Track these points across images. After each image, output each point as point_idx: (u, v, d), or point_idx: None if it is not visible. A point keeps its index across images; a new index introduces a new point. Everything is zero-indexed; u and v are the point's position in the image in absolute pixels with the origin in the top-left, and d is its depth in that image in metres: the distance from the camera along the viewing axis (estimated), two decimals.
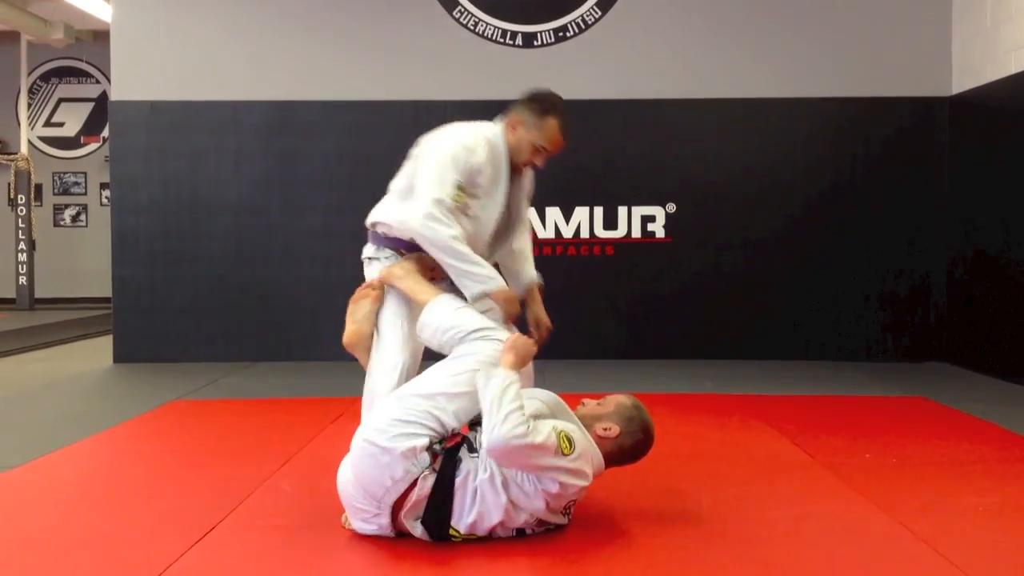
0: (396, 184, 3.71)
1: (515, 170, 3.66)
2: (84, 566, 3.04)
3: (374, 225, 3.69)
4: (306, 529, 3.37)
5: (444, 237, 3.40)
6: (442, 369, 3.25)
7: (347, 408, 5.47)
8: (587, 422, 3.31)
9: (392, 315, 3.53)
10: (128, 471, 4.44)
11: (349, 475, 3.20)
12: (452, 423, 3.15)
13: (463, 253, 3.42)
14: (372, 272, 3.66)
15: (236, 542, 3.27)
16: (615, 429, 3.32)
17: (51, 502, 3.84)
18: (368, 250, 3.72)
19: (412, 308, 3.52)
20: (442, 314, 3.36)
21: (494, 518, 3.10)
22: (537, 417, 3.18)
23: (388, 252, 3.64)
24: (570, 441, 3.13)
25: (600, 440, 3.29)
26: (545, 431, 3.06)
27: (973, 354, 7.56)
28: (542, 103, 3.59)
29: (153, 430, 5.40)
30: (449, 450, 3.12)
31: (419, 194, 3.47)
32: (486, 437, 3.01)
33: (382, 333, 3.53)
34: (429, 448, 3.09)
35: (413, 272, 3.53)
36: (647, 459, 4.32)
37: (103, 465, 4.60)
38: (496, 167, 3.58)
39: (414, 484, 3.07)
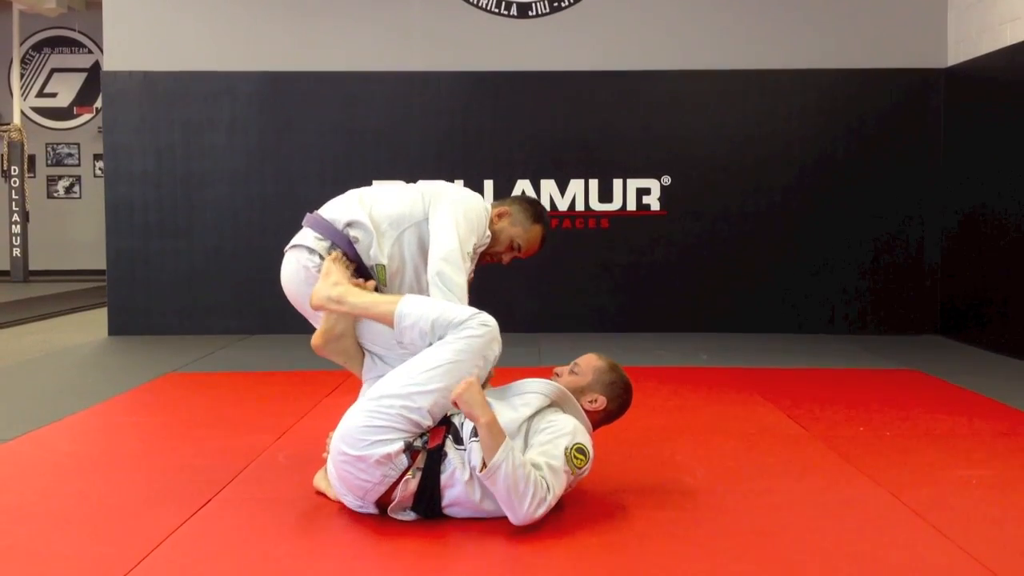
0: (384, 209, 3.50)
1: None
2: (80, 539, 3.05)
3: (350, 224, 3.45)
4: (302, 502, 3.38)
5: (458, 286, 3.32)
6: (418, 363, 3.11)
7: (343, 380, 5.48)
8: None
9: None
10: (123, 444, 4.44)
11: (332, 471, 3.17)
12: (427, 422, 3.05)
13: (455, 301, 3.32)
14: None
15: (232, 515, 3.28)
16: (601, 400, 3.33)
17: (46, 475, 3.84)
18: (319, 246, 3.45)
19: None
20: (420, 316, 3.14)
21: (489, 508, 3.08)
22: (539, 412, 3.18)
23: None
24: (583, 453, 3.11)
25: (588, 413, 3.31)
26: (558, 469, 3.03)
27: (966, 327, 7.58)
28: (535, 208, 3.70)
29: (148, 403, 5.41)
30: (432, 451, 3.04)
31: (446, 241, 3.37)
32: (513, 519, 2.99)
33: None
34: (407, 449, 3.01)
35: (347, 284, 3.27)
36: (642, 432, 4.35)
37: (98, 438, 4.60)
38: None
39: (396, 484, 3.04)
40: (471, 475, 3.05)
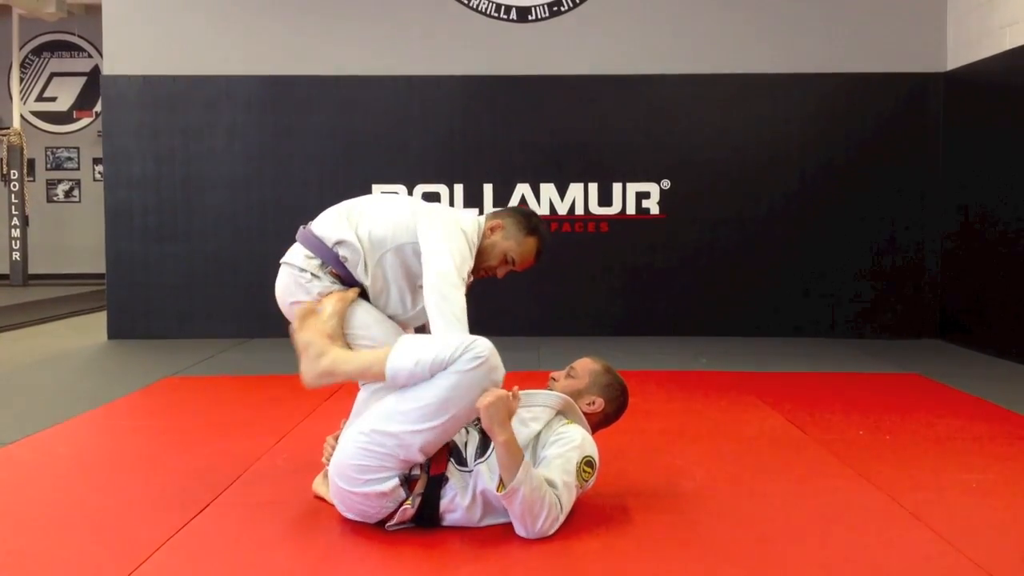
0: (369, 229, 3.46)
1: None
2: (79, 543, 3.04)
3: (339, 243, 3.45)
4: (301, 505, 3.38)
5: (457, 309, 3.22)
6: (411, 399, 2.99)
7: (342, 384, 5.47)
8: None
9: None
10: (123, 448, 4.44)
11: (333, 490, 3.17)
12: (419, 459, 3.01)
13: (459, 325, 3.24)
14: (314, 288, 3.45)
15: (231, 518, 3.28)
16: (599, 402, 3.34)
17: (46, 479, 3.84)
18: (310, 264, 3.48)
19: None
20: (410, 368, 2.99)
21: (490, 521, 3.09)
22: (548, 425, 3.19)
23: (330, 279, 3.47)
24: (591, 465, 3.13)
25: (587, 415, 3.33)
26: (571, 485, 3.05)
27: (966, 331, 7.58)
28: (529, 220, 3.60)
29: (148, 407, 5.40)
30: (434, 478, 3.02)
31: (441, 265, 3.29)
32: (525, 534, 2.99)
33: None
34: (403, 483, 3.00)
35: (333, 354, 3.17)
36: (642, 436, 4.35)
37: (98, 442, 4.60)
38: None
39: (395, 510, 3.04)
40: (473, 499, 3.04)
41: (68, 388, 6.07)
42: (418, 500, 3.02)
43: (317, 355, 3.18)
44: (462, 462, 3.07)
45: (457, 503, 3.05)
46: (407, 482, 3.01)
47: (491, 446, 3.01)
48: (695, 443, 4.34)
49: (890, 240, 8.01)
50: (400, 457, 2.98)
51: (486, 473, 3.02)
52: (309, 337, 3.22)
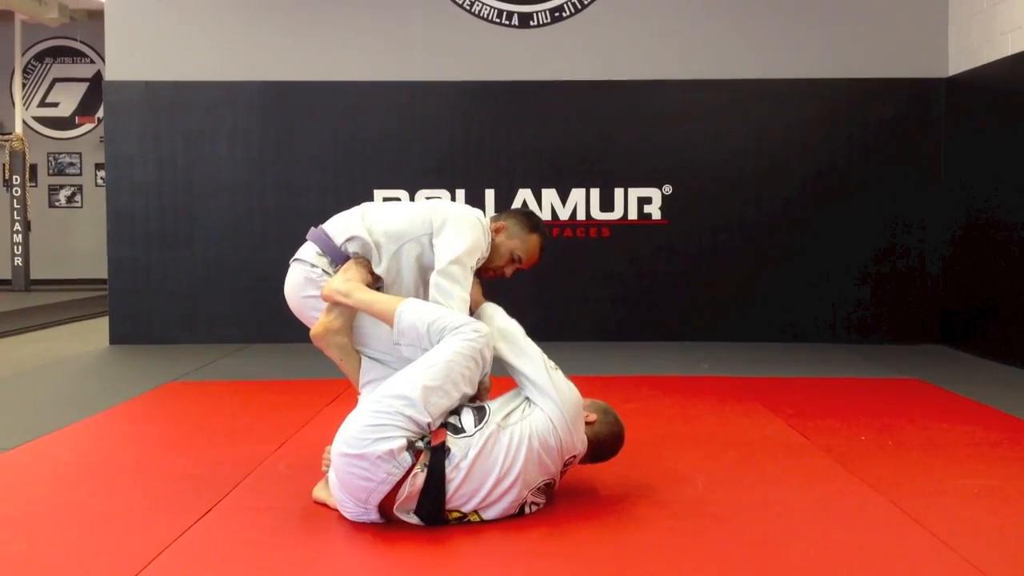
0: (384, 225, 3.57)
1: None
2: (81, 548, 3.05)
3: (350, 239, 3.54)
4: (303, 511, 3.38)
5: (456, 297, 3.41)
6: (416, 364, 3.23)
7: (343, 389, 5.47)
8: None
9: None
10: (124, 453, 4.44)
11: (334, 478, 3.21)
12: (426, 419, 3.10)
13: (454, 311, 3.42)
14: (325, 283, 3.54)
15: (232, 524, 3.28)
16: (592, 416, 3.44)
17: (47, 484, 3.84)
18: (321, 261, 3.56)
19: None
20: (418, 317, 3.30)
21: (492, 479, 3.12)
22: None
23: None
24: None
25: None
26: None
27: (968, 336, 7.57)
28: (531, 219, 3.77)
29: (149, 412, 5.40)
30: (436, 448, 3.10)
31: (448, 256, 3.45)
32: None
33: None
34: (409, 447, 3.05)
35: (358, 283, 3.43)
36: (643, 441, 4.34)
37: (99, 447, 4.60)
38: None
39: (401, 482, 3.06)
40: (476, 457, 3.10)
41: (70, 393, 6.07)
42: (426, 470, 3.07)
43: (346, 279, 3.43)
44: (459, 432, 3.16)
45: (460, 467, 3.10)
46: (412, 450, 3.06)
47: (487, 413, 3.21)
48: (696, 448, 4.34)
49: (892, 245, 8.00)
50: (407, 415, 3.08)
51: (490, 428, 3.17)
52: (352, 268, 3.47)
